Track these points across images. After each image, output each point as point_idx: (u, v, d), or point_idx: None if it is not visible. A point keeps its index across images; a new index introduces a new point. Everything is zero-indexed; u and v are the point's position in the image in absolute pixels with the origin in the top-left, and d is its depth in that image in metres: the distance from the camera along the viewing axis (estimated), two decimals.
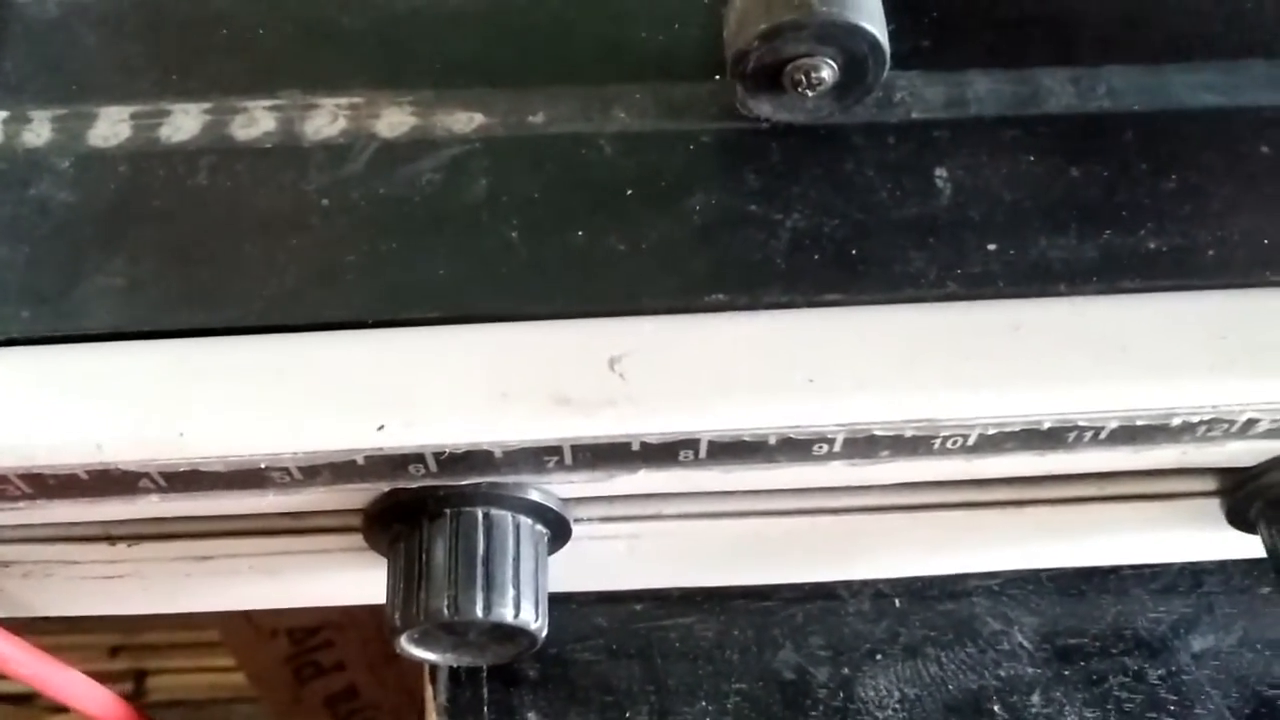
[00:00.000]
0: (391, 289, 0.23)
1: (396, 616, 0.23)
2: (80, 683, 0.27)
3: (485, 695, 0.27)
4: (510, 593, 0.23)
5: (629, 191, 0.25)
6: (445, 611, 0.22)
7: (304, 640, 0.94)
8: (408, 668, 1.01)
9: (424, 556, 0.23)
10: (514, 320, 0.23)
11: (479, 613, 0.22)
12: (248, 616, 0.90)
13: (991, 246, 0.24)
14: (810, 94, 0.24)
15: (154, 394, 0.22)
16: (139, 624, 0.84)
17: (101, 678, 0.90)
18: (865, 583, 0.29)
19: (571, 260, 0.24)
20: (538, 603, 0.23)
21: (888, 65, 0.24)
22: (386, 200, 0.25)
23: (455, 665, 0.25)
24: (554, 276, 0.23)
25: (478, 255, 0.24)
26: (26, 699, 1.01)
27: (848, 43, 0.24)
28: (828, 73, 0.24)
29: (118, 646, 1.03)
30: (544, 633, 0.24)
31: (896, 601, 0.29)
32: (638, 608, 0.28)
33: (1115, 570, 0.29)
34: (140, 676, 1.05)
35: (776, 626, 0.28)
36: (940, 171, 0.25)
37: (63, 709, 1.00)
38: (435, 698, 0.27)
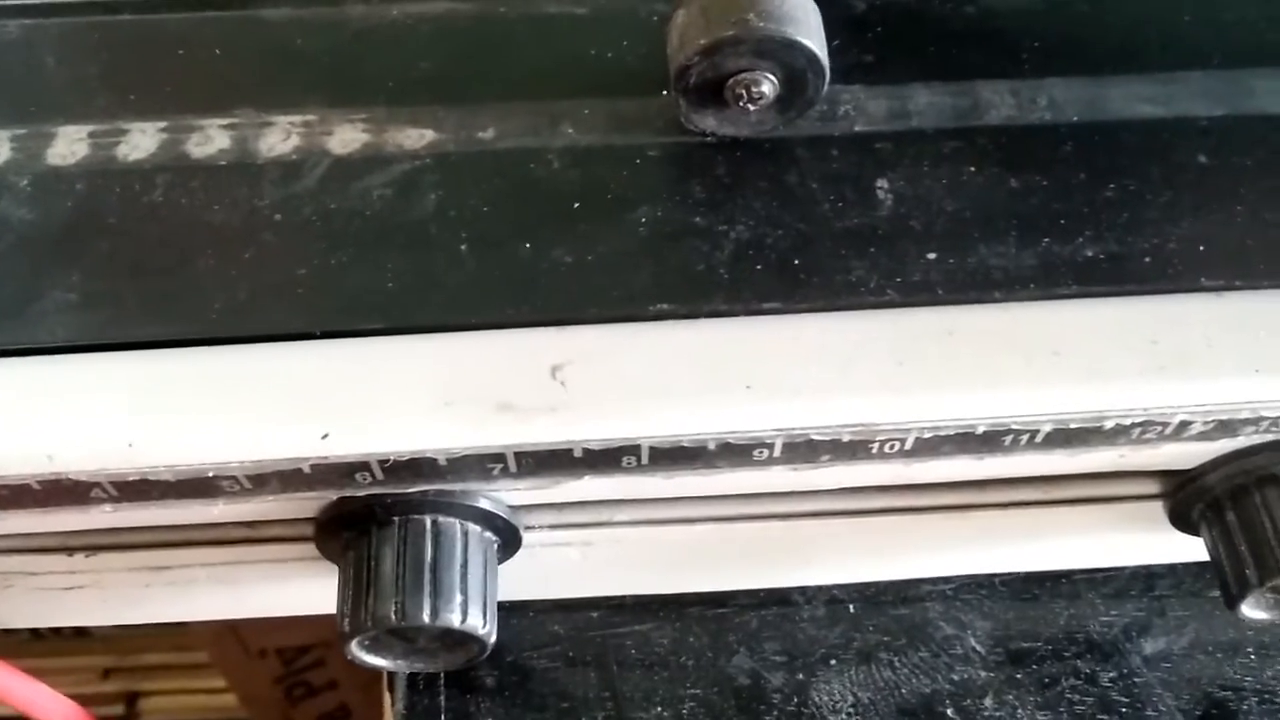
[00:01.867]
0: (341, 301, 0.24)
1: (346, 623, 0.23)
2: (46, 696, 0.27)
3: (443, 703, 0.27)
4: (457, 599, 0.23)
5: (576, 205, 0.25)
6: (392, 617, 0.23)
7: (295, 660, 0.94)
8: None
9: (372, 563, 0.23)
10: (459, 330, 0.23)
11: (426, 618, 0.23)
12: (238, 636, 0.90)
13: (931, 255, 0.24)
14: (752, 108, 0.25)
15: (104, 405, 0.22)
16: (131, 646, 0.85)
17: (93, 700, 0.90)
18: (819, 588, 0.29)
19: (518, 272, 0.24)
20: (486, 608, 0.24)
21: (827, 79, 0.25)
22: (338, 215, 0.25)
23: (408, 671, 0.25)
24: (501, 287, 0.24)
25: (427, 268, 0.24)
26: None
27: (786, 57, 0.24)
28: (768, 87, 0.24)
29: (110, 668, 1.03)
30: (493, 638, 0.24)
31: (851, 607, 0.29)
32: (594, 615, 0.29)
33: (1067, 575, 0.30)
34: (132, 699, 1.05)
35: (732, 632, 0.29)
36: (882, 183, 0.26)
37: None
38: (393, 705, 0.27)
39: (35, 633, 1.01)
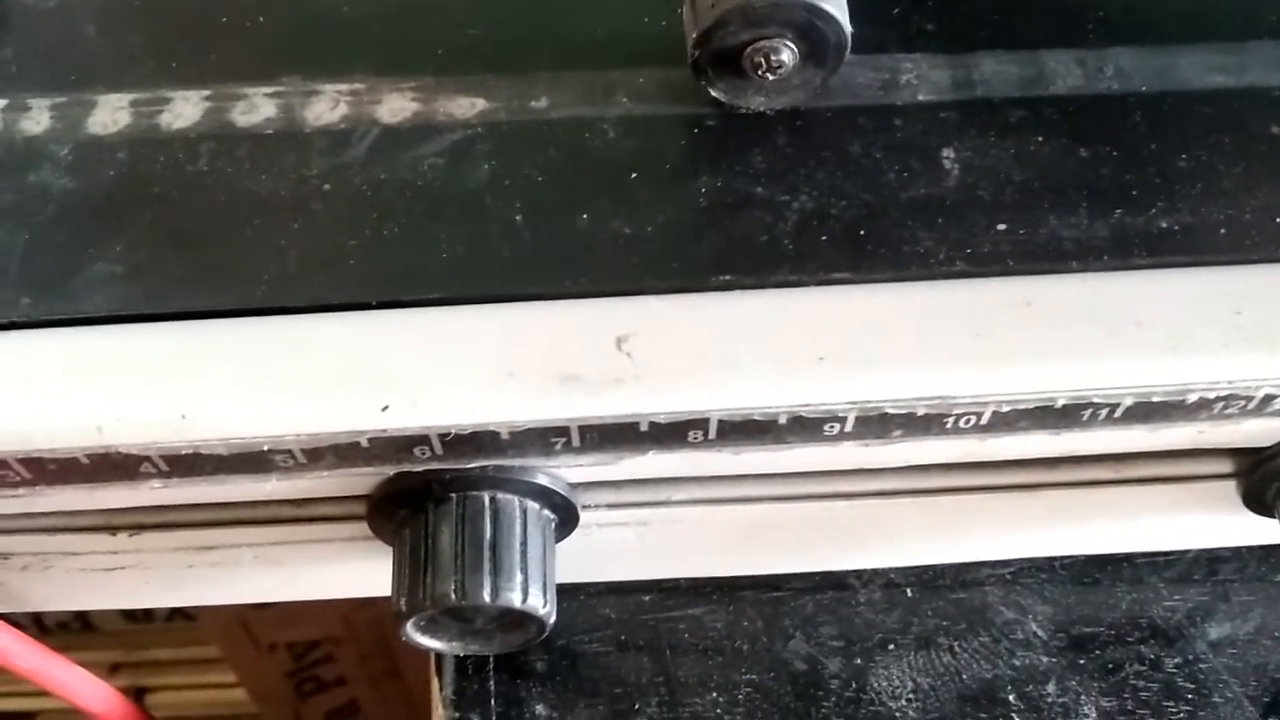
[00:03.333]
0: (395, 272, 0.23)
1: (402, 602, 0.23)
2: (82, 679, 0.26)
3: (492, 687, 0.26)
4: (518, 578, 0.22)
5: (633, 175, 0.25)
6: (452, 596, 0.22)
7: (304, 655, 0.94)
8: (410, 682, 1.01)
9: (430, 541, 0.23)
10: (519, 301, 0.23)
11: (486, 597, 0.22)
12: (248, 630, 0.89)
13: (1001, 226, 0.24)
14: (771, 77, 0.24)
15: (156, 376, 0.21)
16: (139, 640, 0.84)
17: None
18: (876, 572, 0.29)
19: (576, 243, 0.23)
20: (546, 588, 0.23)
21: (849, 45, 0.24)
22: (388, 185, 0.24)
23: (462, 654, 0.24)
24: (559, 258, 0.23)
25: (481, 238, 0.23)
26: (28, 716, 1.00)
27: (803, 23, 0.23)
28: (788, 55, 0.24)
29: (118, 663, 1.02)
30: (552, 619, 0.23)
31: (908, 591, 0.28)
32: (646, 599, 0.28)
33: (1129, 559, 0.29)
34: (140, 694, 1.04)
35: (787, 617, 0.28)
36: (948, 153, 0.25)
37: None
38: (441, 690, 0.26)
39: (42, 626, 1.01)
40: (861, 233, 0.24)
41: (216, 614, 0.85)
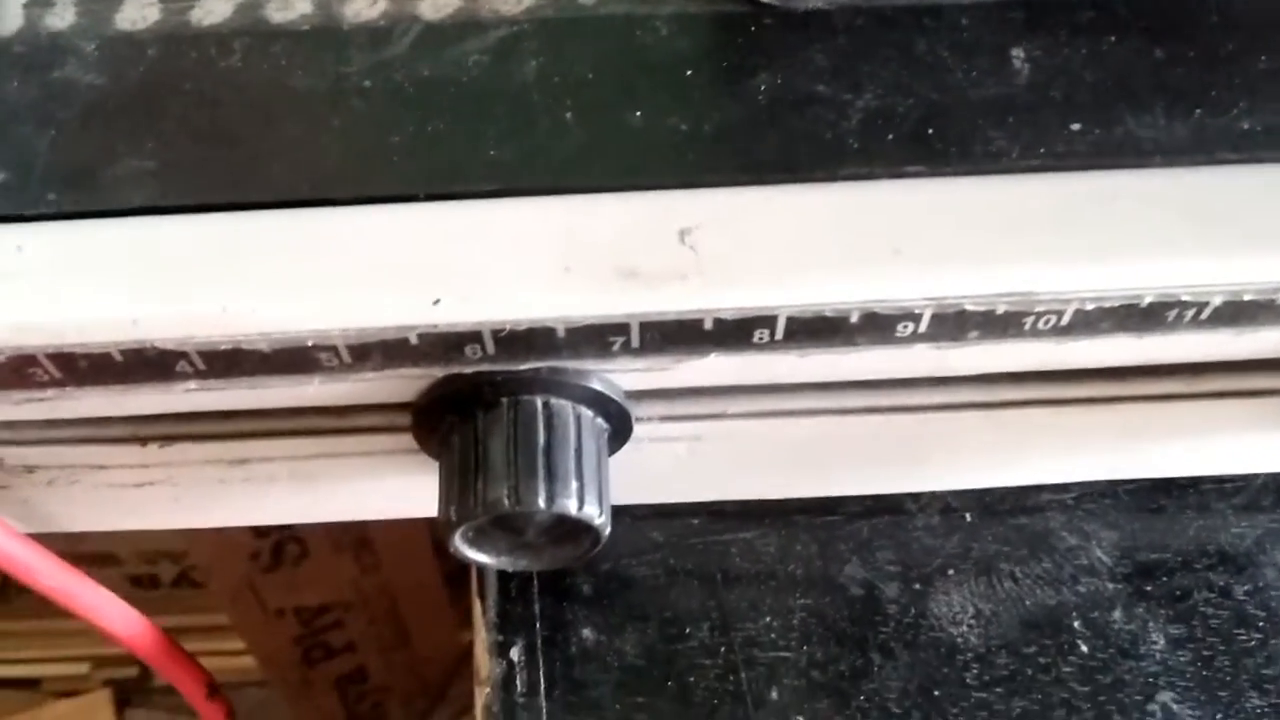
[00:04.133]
0: (441, 167, 0.22)
1: (452, 510, 0.21)
2: (108, 601, 0.25)
3: (537, 610, 0.25)
4: (573, 484, 0.21)
5: (688, 73, 0.24)
6: (505, 502, 0.21)
7: (312, 620, 0.93)
8: (419, 650, 1.00)
9: (481, 447, 0.21)
10: (575, 194, 0.21)
11: (541, 503, 0.21)
12: (257, 595, 0.89)
13: (1075, 126, 0.23)
14: None
15: (194, 267, 0.20)
16: (145, 607, 0.83)
17: (107, 662, 0.89)
18: (933, 496, 0.27)
19: (631, 140, 0.22)
20: (601, 497, 0.22)
21: None
22: (432, 82, 0.23)
23: (510, 570, 0.23)
24: (614, 153, 0.22)
25: (530, 136, 0.22)
26: (32, 683, 0.99)
27: None
28: None
29: None
30: (607, 530, 0.22)
31: (967, 516, 0.27)
32: (694, 522, 0.27)
33: (1195, 484, 0.28)
34: None
35: (842, 541, 0.27)
36: (1017, 52, 0.24)
37: (68, 693, 0.98)
38: (484, 613, 0.25)
39: None
40: (930, 131, 0.23)
41: (225, 579, 0.84)
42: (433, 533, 0.89)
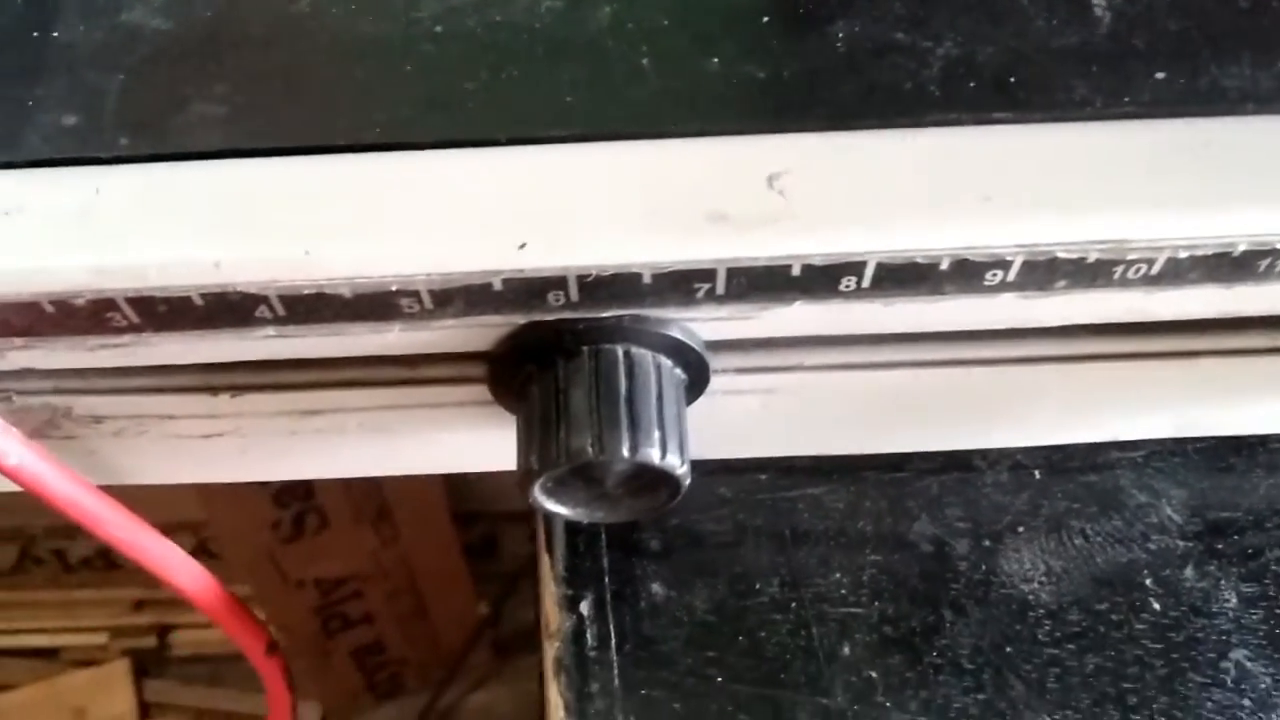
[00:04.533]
0: (519, 111, 0.22)
1: (533, 459, 0.21)
2: (176, 555, 0.25)
3: (605, 565, 0.25)
4: (655, 434, 0.21)
5: (763, 20, 0.23)
6: (589, 450, 0.21)
7: (332, 591, 0.93)
8: (437, 623, 1.00)
9: (562, 396, 0.21)
10: (659, 138, 0.21)
11: (625, 452, 0.21)
12: (277, 565, 0.89)
13: (1160, 75, 0.22)
14: None
15: (275, 211, 0.20)
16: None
17: (125, 632, 0.89)
18: (1002, 454, 0.27)
19: (710, 86, 0.22)
20: (682, 447, 0.22)
21: None
22: (504, 28, 0.23)
23: (587, 521, 0.23)
24: (694, 98, 0.22)
25: (606, 81, 0.22)
26: (51, 653, 1.00)
27: None
28: None
29: (142, 600, 1.02)
30: (687, 480, 0.22)
31: (1036, 473, 0.27)
32: (763, 478, 0.27)
33: (1264, 443, 0.28)
34: (164, 631, 1.04)
35: (911, 498, 0.27)
36: (1098, 0, 0.23)
37: (86, 663, 0.98)
38: (553, 567, 0.25)
39: (66, 565, 1.00)
40: (1012, 79, 0.22)
41: (246, 549, 0.84)
42: (451, 502, 0.89)
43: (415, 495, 0.87)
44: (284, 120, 0.22)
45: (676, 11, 0.23)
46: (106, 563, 0.98)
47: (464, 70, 0.22)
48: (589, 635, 0.24)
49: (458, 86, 0.22)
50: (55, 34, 0.23)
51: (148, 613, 1.00)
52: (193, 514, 0.85)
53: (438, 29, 0.23)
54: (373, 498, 0.84)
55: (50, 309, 0.20)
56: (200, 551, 0.91)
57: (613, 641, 0.24)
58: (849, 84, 0.22)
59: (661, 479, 0.22)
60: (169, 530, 0.25)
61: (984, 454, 0.27)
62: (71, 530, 0.95)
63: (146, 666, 0.99)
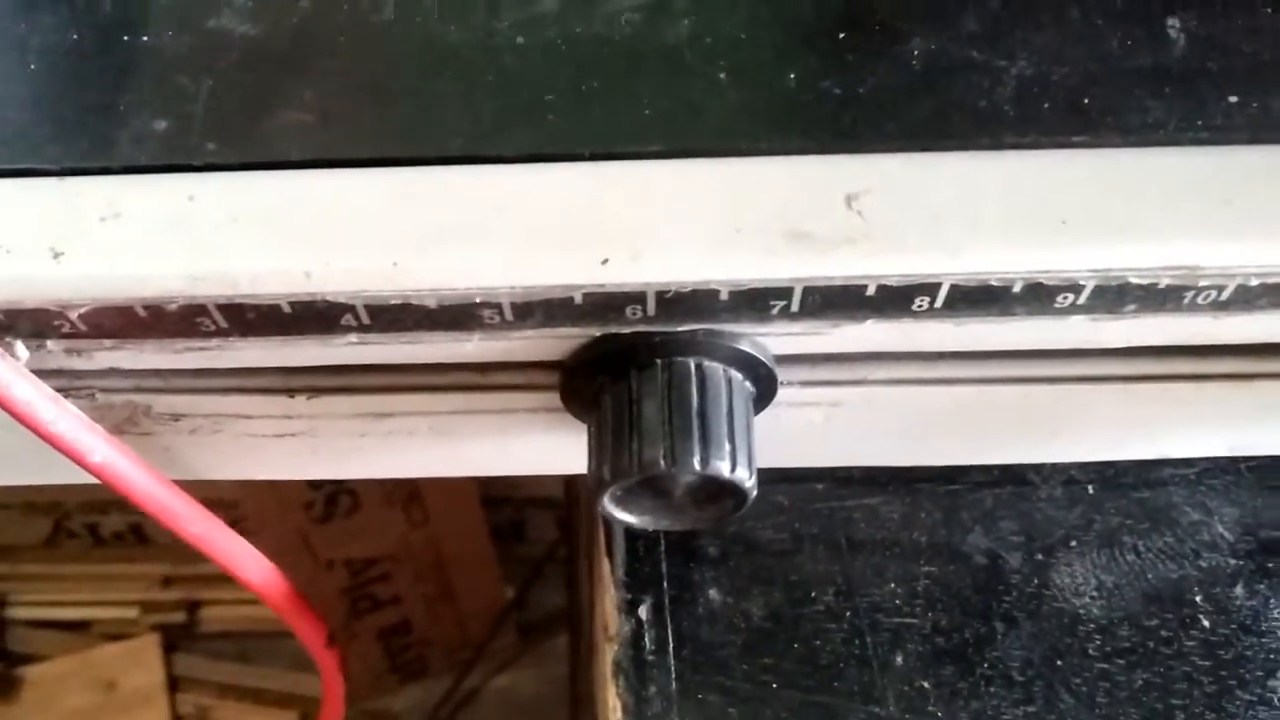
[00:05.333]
0: (600, 125, 0.22)
1: (605, 470, 0.22)
2: (247, 552, 0.26)
3: (664, 570, 0.26)
4: (726, 447, 0.22)
5: (840, 36, 0.23)
6: (661, 463, 0.21)
7: (361, 571, 0.94)
8: (463, 605, 1.00)
9: (636, 407, 0.22)
10: (739, 156, 0.21)
11: (696, 465, 0.21)
12: (309, 546, 0.89)
13: (1233, 99, 0.22)
14: None
15: (364, 222, 0.20)
16: (192, 554, 0.84)
17: (154, 607, 0.90)
18: (1056, 468, 0.28)
19: (787, 102, 0.22)
20: (751, 461, 0.22)
21: None
22: (584, 40, 0.23)
23: (651, 529, 0.24)
24: (772, 115, 0.22)
25: (685, 95, 0.22)
26: (82, 626, 1.01)
27: None
28: None
29: (170, 576, 1.03)
30: (754, 494, 0.22)
31: (1089, 488, 0.27)
32: (819, 487, 0.27)
33: None
34: (193, 607, 1.05)
35: (965, 510, 0.27)
36: (1173, 22, 0.24)
37: (116, 636, 0.99)
38: (612, 571, 0.26)
39: (98, 539, 1.01)
40: (1086, 100, 0.22)
41: (278, 529, 0.85)
42: (479, 486, 0.90)
43: (446, 479, 0.88)
44: (369, 130, 0.22)
45: (753, 25, 0.24)
46: (138, 537, 0.99)
47: (545, 82, 0.23)
48: (647, 639, 0.25)
49: (539, 99, 0.22)
50: (144, 38, 0.23)
51: (177, 588, 1.01)
52: (226, 492, 0.86)
53: (519, 40, 0.23)
54: (404, 481, 0.85)
55: (143, 313, 0.21)
56: (233, 529, 0.92)
57: (670, 645, 0.25)
58: (924, 102, 0.22)
59: (729, 491, 0.22)
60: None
61: (1038, 468, 0.27)
62: (105, 504, 0.96)
63: (175, 641, 1.00)
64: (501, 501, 0.99)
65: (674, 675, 0.25)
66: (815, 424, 0.25)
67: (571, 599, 0.92)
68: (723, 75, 0.23)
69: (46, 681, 0.98)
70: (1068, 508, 0.27)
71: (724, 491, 0.22)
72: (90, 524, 0.98)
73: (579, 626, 0.86)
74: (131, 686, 0.99)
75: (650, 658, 0.25)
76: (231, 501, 0.88)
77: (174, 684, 0.98)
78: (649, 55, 0.23)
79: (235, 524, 0.84)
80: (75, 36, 0.23)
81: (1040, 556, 0.26)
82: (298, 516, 0.83)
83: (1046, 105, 0.22)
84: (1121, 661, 0.25)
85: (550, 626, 1.01)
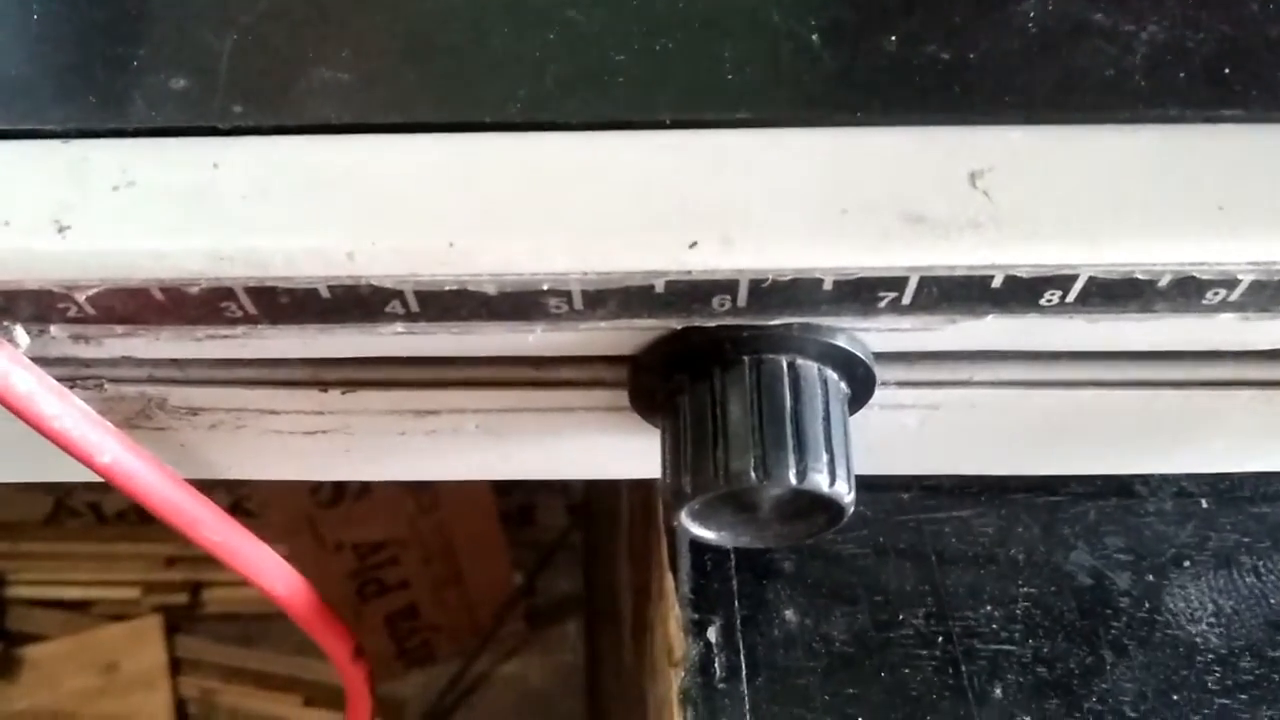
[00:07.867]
0: (678, 90, 0.19)
1: (685, 482, 0.19)
2: (269, 559, 0.23)
3: (735, 588, 0.23)
4: (824, 457, 0.19)
5: None
6: (751, 475, 0.18)
7: (369, 555, 0.92)
8: (471, 590, 0.98)
9: (720, 410, 0.19)
10: (842, 126, 0.19)
11: (791, 478, 0.18)
12: (314, 528, 0.87)
13: None
14: None
15: (413, 196, 0.18)
16: None
17: (157, 588, 0.87)
18: (1164, 479, 0.25)
19: (888, 68, 0.20)
20: (850, 473, 0.19)
21: None
22: None
23: (732, 545, 0.21)
24: (875, 81, 0.19)
25: (772, 59, 0.20)
26: (84, 606, 0.99)
27: None
28: None
29: (174, 557, 1.01)
30: (852, 509, 0.20)
31: (1203, 502, 0.25)
32: (905, 497, 0.25)
33: None
34: (196, 589, 1.03)
35: (1067, 525, 0.24)
36: None
37: (118, 617, 0.97)
38: (677, 588, 0.23)
39: (101, 518, 0.99)
40: (1226, 70, 0.20)
41: (285, 511, 0.82)
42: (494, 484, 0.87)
43: None
44: (416, 91, 0.19)
45: None
46: (141, 516, 0.97)
47: (613, 40, 0.20)
48: (717, 665, 0.22)
49: (608, 59, 0.20)
50: None
51: (180, 569, 0.99)
52: None
53: None
54: None
55: (160, 296, 0.18)
56: (237, 510, 0.89)
57: (743, 672, 0.22)
58: (1045, 69, 0.20)
59: (823, 505, 0.19)
60: (206, 488, 0.23)
61: (1145, 479, 0.25)
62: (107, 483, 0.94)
63: (177, 623, 0.98)
64: (510, 486, 0.97)
65: (748, 706, 0.22)
66: (908, 428, 0.22)
67: (588, 587, 0.90)
68: (814, 37, 0.20)
69: (47, 662, 0.96)
70: (1179, 523, 0.24)
71: (818, 506, 0.20)
72: (92, 502, 0.96)
73: (597, 617, 0.83)
74: (133, 668, 0.97)
75: (721, 685, 0.22)
76: (236, 480, 0.86)
77: (176, 666, 0.96)
78: (730, 12, 0.20)
79: (238, 503, 0.81)
80: None
81: (1151, 577, 0.24)
82: (305, 500, 0.80)
83: (1182, 74, 0.20)
84: (1244, 697, 0.23)
85: (559, 613, 0.99)
